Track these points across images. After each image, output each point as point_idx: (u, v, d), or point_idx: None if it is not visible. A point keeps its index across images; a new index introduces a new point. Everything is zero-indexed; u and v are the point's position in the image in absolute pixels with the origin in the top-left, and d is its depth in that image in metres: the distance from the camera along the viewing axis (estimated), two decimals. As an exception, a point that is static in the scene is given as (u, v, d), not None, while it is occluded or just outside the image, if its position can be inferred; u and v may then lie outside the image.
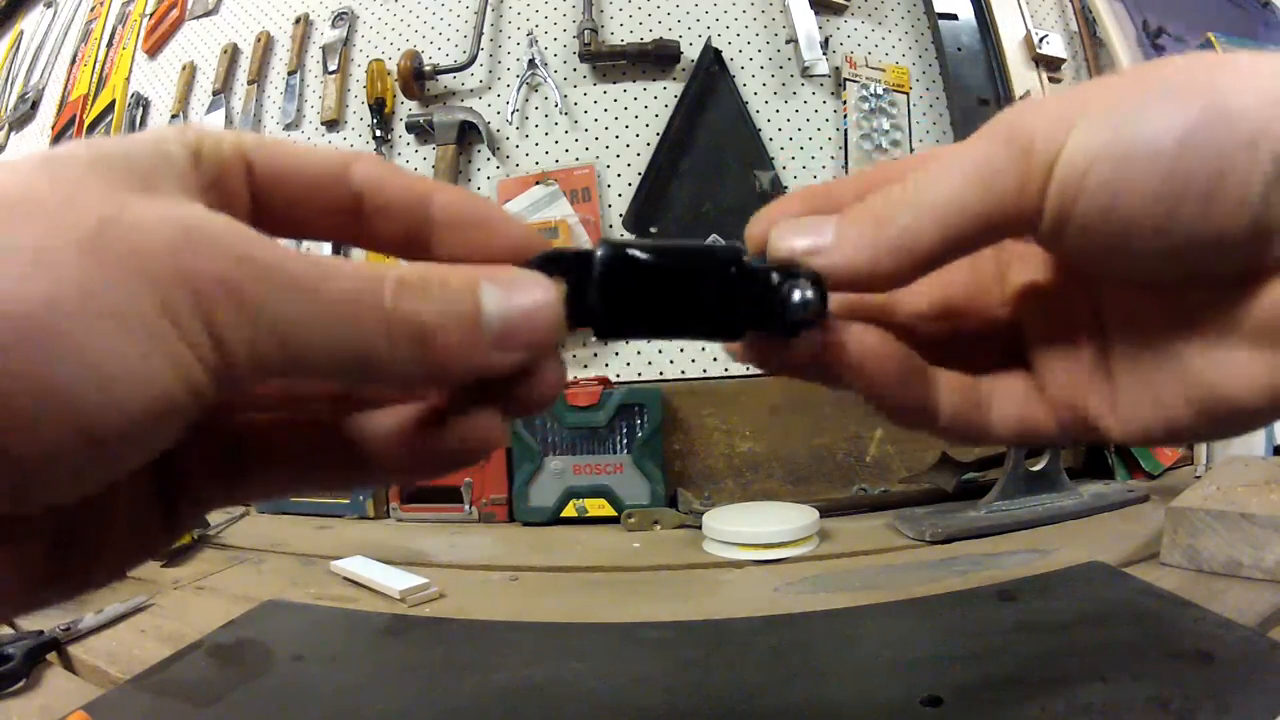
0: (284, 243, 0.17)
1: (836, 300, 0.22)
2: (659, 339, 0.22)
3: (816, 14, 1.08)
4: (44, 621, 0.59)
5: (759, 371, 0.24)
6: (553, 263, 0.20)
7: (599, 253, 0.20)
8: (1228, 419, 0.21)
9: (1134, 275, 0.21)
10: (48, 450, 0.14)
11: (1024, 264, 0.26)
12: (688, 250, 0.21)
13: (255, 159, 0.20)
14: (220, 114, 1.22)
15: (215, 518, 0.93)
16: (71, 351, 0.14)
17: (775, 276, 0.21)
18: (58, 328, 0.14)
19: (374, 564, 0.75)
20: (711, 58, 1.08)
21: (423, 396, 0.22)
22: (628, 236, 0.23)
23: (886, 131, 1.08)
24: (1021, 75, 1.10)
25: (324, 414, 0.22)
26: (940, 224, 0.20)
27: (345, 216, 0.21)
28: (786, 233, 0.22)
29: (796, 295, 0.20)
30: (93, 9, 1.51)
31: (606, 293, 0.20)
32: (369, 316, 0.17)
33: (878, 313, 0.25)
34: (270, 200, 0.21)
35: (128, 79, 1.35)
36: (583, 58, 1.09)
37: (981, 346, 0.26)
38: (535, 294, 0.19)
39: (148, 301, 0.15)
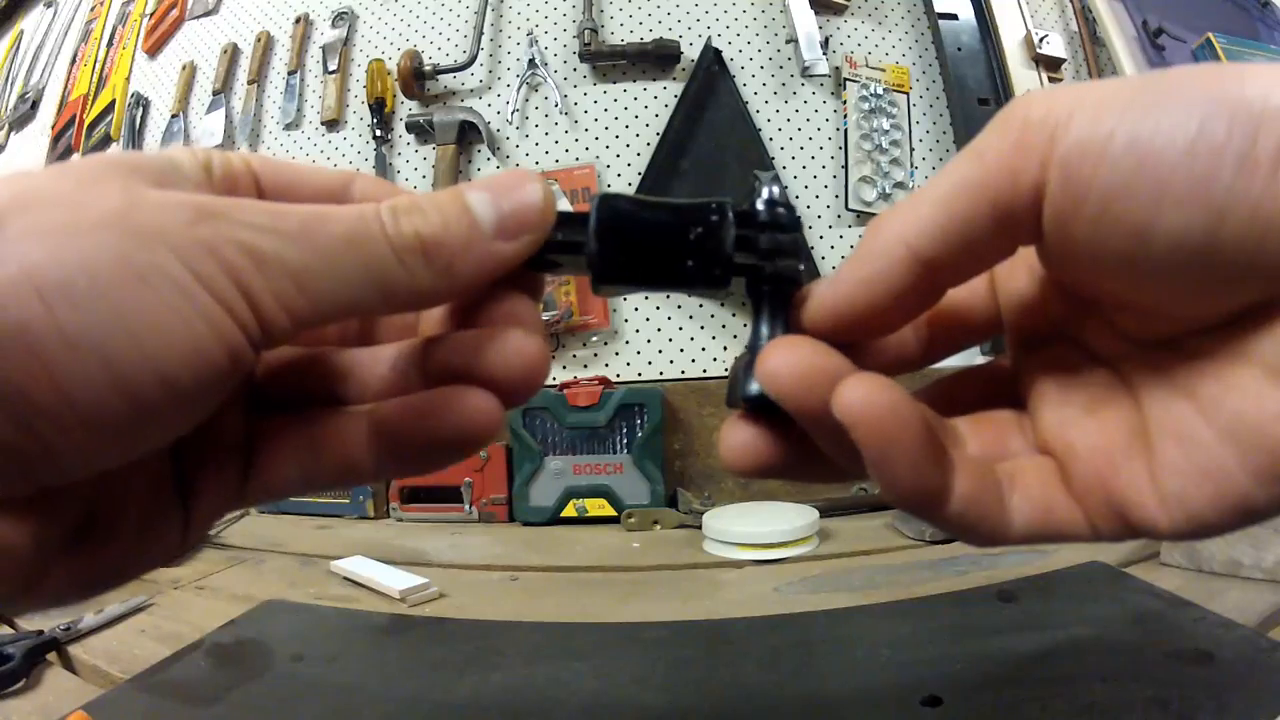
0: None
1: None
2: (649, 287, 0.22)
3: (816, 14, 1.08)
4: (44, 621, 0.59)
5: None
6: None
7: (592, 205, 0.21)
8: None
9: (1160, 289, 0.18)
10: (83, 404, 0.15)
11: (1034, 364, 0.23)
12: (676, 203, 0.22)
13: (262, 173, 0.22)
14: (220, 114, 1.22)
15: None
16: (108, 310, 0.15)
17: (758, 208, 0.22)
18: (94, 289, 0.15)
19: (374, 564, 0.75)
20: (711, 58, 1.08)
21: (408, 384, 0.22)
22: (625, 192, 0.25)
23: (886, 131, 1.08)
24: (1021, 75, 1.10)
25: (322, 412, 0.22)
26: (935, 205, 0.19)
27: None
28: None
29: (773, 212, 0.22)
30: (93, 9, 1.51)
31: (599, 244, 0.21)
32: (374, 245, 0.18)
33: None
34: None
35: (128, 79, 1.35)
36: (583, 58, 1.09)
37: (1004, 450, 0.23)
38: (521, 187, 0.20)
39: (178, 267, 0.16)
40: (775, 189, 0.22)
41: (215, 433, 0.21)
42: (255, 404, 0.23)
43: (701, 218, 0.21)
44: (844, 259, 0.21)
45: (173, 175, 0.19)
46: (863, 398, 0.18)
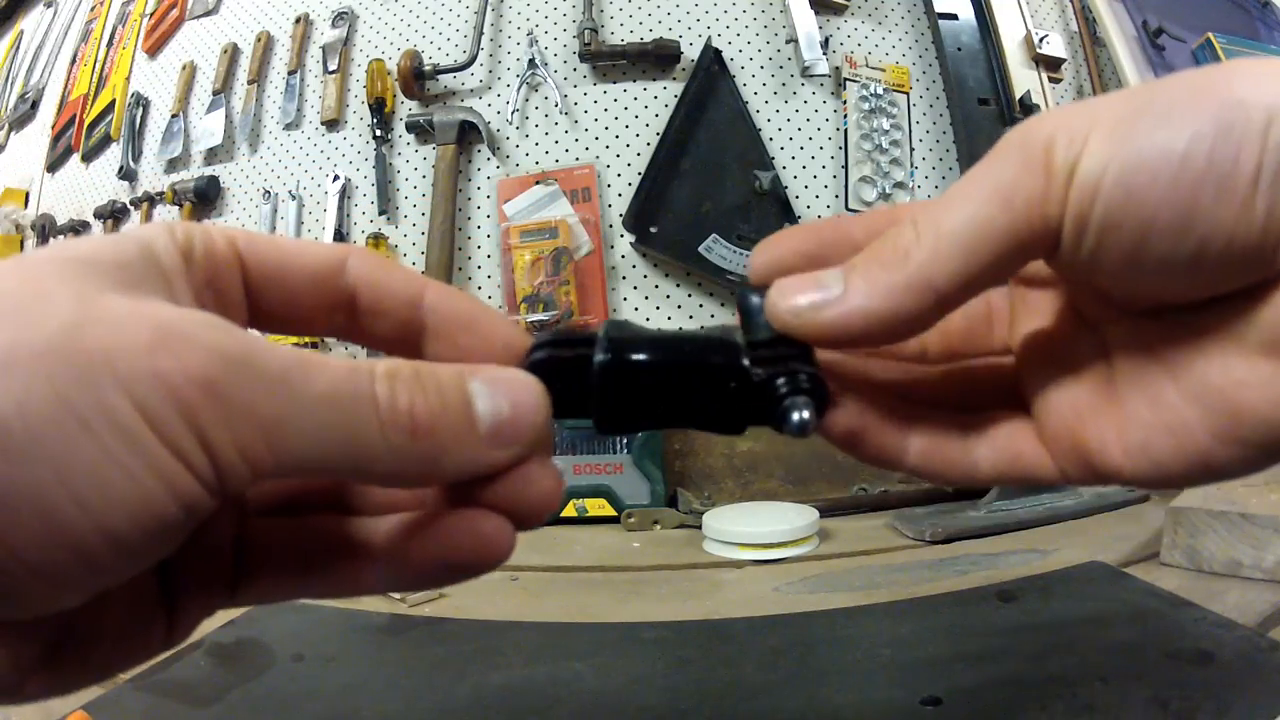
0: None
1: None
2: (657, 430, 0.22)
3: (816, 14, 1.08)
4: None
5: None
6: (547, 362, 0.21)
7: (596, 359, 0.20)
8: (1247, 438, 0.19)
9: (1150, 290, 0.20)
10: (30, 560, 0.14)
11: (1022, 306, 0.25)
12: (687, 362, 0.21)
13: (249, 257, 0.20)
14: (220, 114, 1.22)
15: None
16: (44, 461, 0.13)
17: (777, 385, 0.20)
18: (28, 435, 0.13)
19: (374, 564, 0.75)
20: (711, 58, 1.08)
21: (421, 502, 0.21)
22: (624, 322, 0.23)
23: (886, 131, 1.08)
24: (1021, 75, 1.10)
25: (324, 520, 0.21)
26: (965, 250, 0.19)
27: (341, 313, 0.21)
28: (788, 291, 0.21)
29: (795, 417, 0.20)
30: (93, 9, 1.51)
31: (603, 398, 0.20)
32: (361, 410, 0.16)
33: (877, 355, 0.25)
34: (266, 298, 0.20)
35: (128, 79, 1.35)
36: (583, 58, 1.09)
37: (979, 391, 0.25)
38: (521, 395, 0.19)
39: (125, 407, 0.14)
40: (805, 386, 0.20)
41: (201, 539, 0.20)
42: (248, 505, 0.22)
43: (715, 415, 0.21)
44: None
45: (143, 270, 0.17)
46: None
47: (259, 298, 0.20)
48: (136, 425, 0.14)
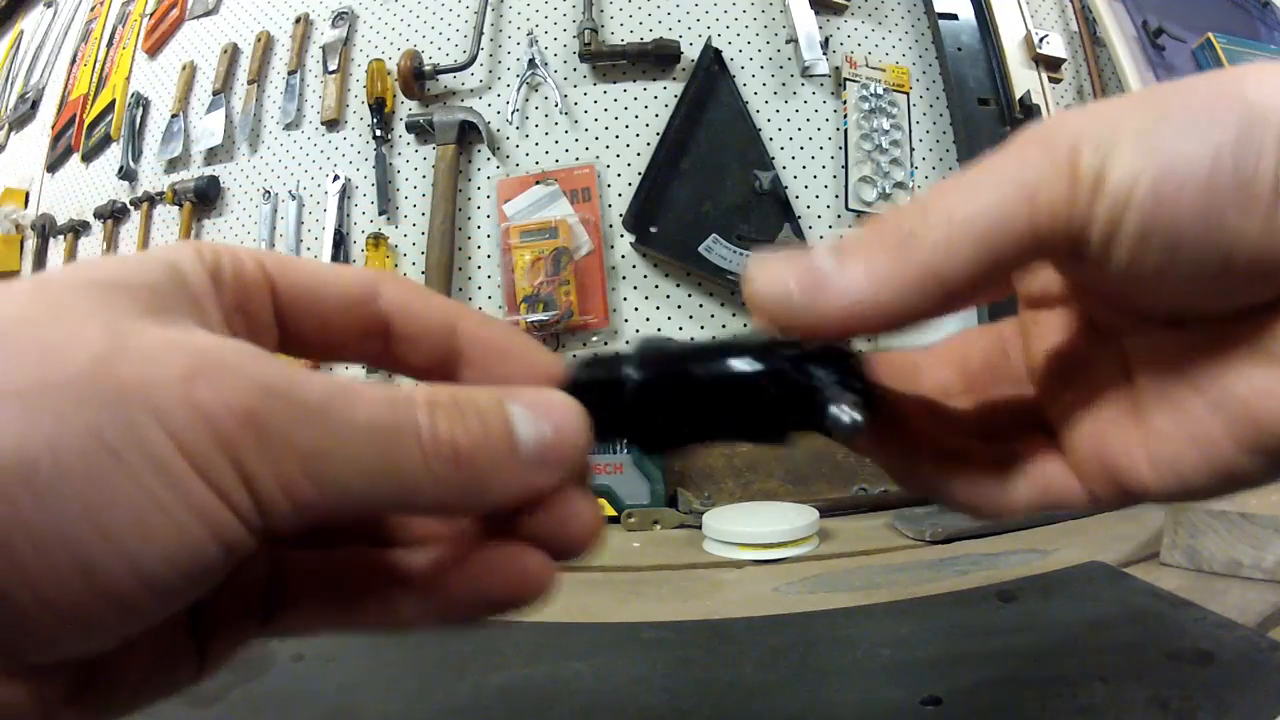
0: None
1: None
2: (699, 447, 0.22)
3: (816, 14, 1.08)
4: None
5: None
6: (583, 386, 0.20)
7: (628, 378, 0.20)
8: (1272, 448, 0.18)
9: (1178, 299, 0.19)
10: (60, 604, 0.13)
11: (1035, 329, 0.25)
12: (722, 371, 0.20)
13: (279, 280, 0.19)
14: (220, 114, 1.22)
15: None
16: (75, 500, 0.13)
17: (820, 386, 0.19)
18: (59, 473, 0.13)
19: (374, 564, 0.75)
20: (711, 58, 1.08)
21: (458, 536, 0.21)
22: (658, 339, 0.22)
23: (886, 131, 1.08)
24: (1021, 75, 1.10)
25: (359, 553, 0.21)
26: (979, 241, 0.18)
27: (374, 340, 0.21)
28: (776, 275, 0.19)
29: (846, 419, 0.19)
30: (93, 9, 1.51)
31: (641, 416, 0.20)
32: (404, 441, 0.16)
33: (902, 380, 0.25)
34: (297, 322, 0.20)
35: (128, 79, 1.35)
36: (583, 58, 1.09)
37: (1004, 422, 0.24)
38: (562, 416, 0.18)
39: (161, 440, 0.13)
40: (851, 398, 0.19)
41: (235, 574, 0.19)
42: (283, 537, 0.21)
43: (758, 427, 0.20)
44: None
45: (172, 294, 0.16)
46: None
47: (289, 322, 0.20)
48: (173, 459, 0.13)
